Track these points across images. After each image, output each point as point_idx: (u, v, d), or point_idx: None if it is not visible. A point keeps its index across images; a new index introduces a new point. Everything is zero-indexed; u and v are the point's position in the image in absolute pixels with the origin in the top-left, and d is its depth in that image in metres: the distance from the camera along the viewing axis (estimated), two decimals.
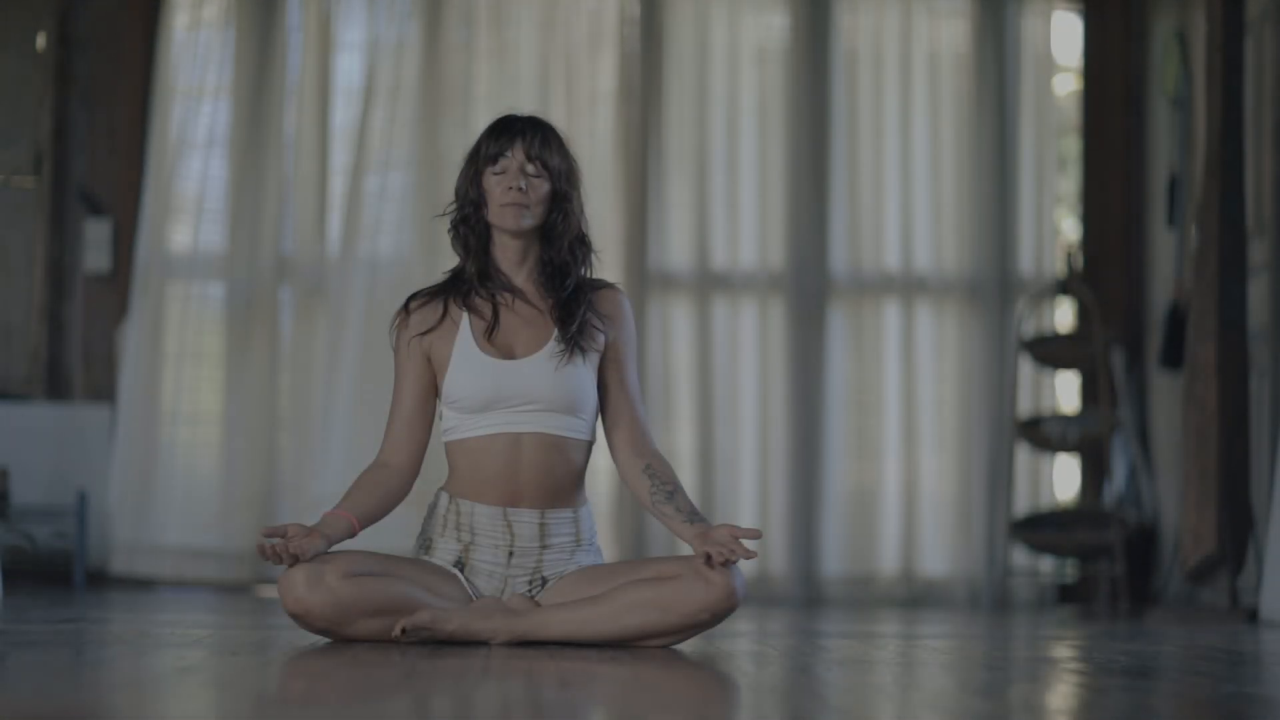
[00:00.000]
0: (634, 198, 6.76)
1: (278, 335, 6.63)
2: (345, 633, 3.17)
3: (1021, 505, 6.76)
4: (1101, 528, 6.52)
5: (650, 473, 3.33)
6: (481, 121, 6.61)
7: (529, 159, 3.31)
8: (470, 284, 3.37)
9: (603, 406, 3.41)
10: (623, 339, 3.41)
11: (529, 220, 3.33)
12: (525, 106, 6.67)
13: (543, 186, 3.33)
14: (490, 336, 3.34)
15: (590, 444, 3.39)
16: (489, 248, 3.38)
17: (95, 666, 2.65)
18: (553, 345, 3.33)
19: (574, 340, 3.33)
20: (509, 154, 3.32)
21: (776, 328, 6.80)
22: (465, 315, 3.35)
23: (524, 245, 3.37)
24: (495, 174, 3.32)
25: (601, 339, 3.37)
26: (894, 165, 6.88)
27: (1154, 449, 6.75)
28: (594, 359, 3.36)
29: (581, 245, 3.39)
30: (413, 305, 3.40)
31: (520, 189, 3.30)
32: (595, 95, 6.84)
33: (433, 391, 3.38)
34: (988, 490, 6.70)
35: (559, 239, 3.36)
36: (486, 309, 3.36)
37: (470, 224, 3.36)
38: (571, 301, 3.36)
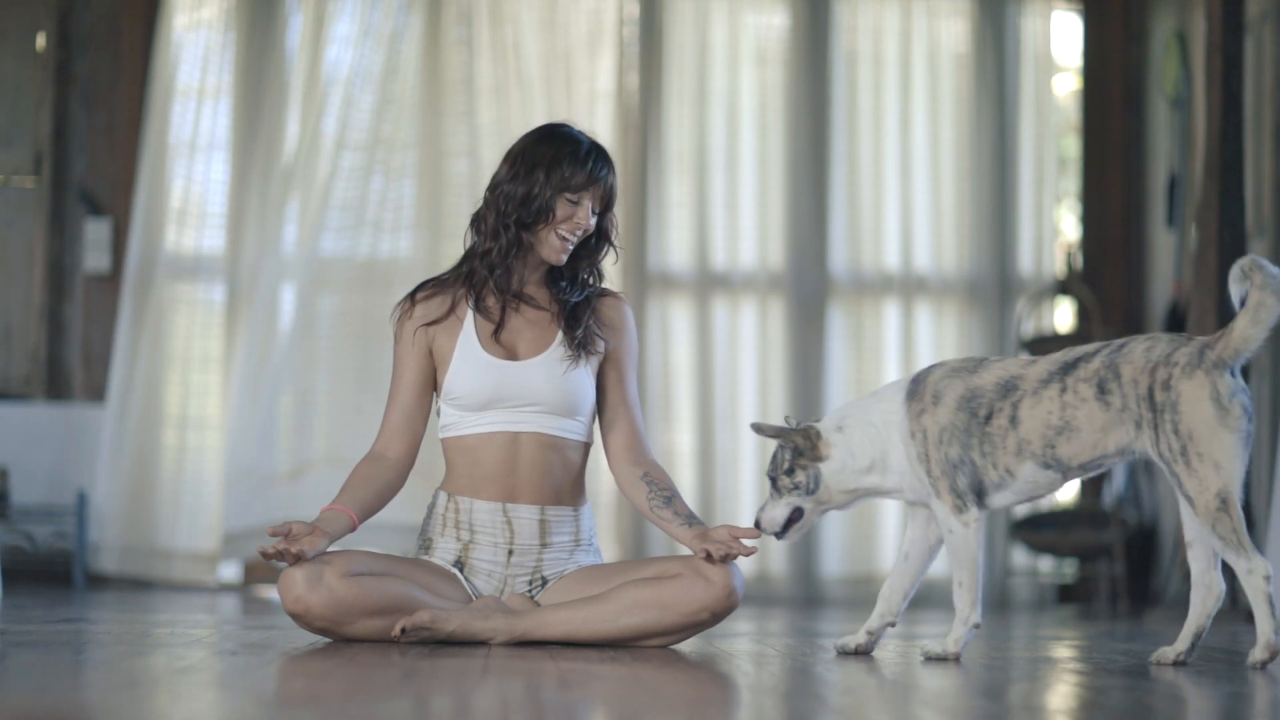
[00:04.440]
0: (634, 198, 6.76)
1: (277, 335, 6.62)
2: (345, 632, 3.17)
3: (1021, 505, 6.75)
4: (1101, 528, 6.52)
5: (648, 480, 3.33)
6: (483, 121, 6.68)
7: (598, 200, 3.32)
8: (484, 281, 3.35)
9: (601, 413, 3.41)
10: (624, 348, 3.41)
11: (567, 255, 3.34)
12: (524, 106, 6.71)
13: (593, 226, 3.33)
14: (495, 336, 3.34)
15: (588, 445, 3.40)
16: (519, 258, 3.35)
17: (95, 666, 2.65)
18: (556, 348, 3.34)
19: (579, 345, 3.33)
20: (589, 191, 3.30)
21: (776, 328, 6.80)
22: (470, 312, 3.36)
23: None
24: (570, 201, 3.30)
25: (602, 344, 3.38)
26: (894, 165, 6.88)
27: None
28: (594, 363, 3.37)
29: (598, 269, 3.42)
30: (419, 295, 3.40)
31: (586, 229, 3.31)
32: (595, 95, 6.84)
33: (431, 384, 3.38)
34: None
35: (583, 264, 3.37)
36: (495, 308, 3.35)
37: (526, 225, 3.30)
38: (578, 307, 3.36)
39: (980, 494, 3.08)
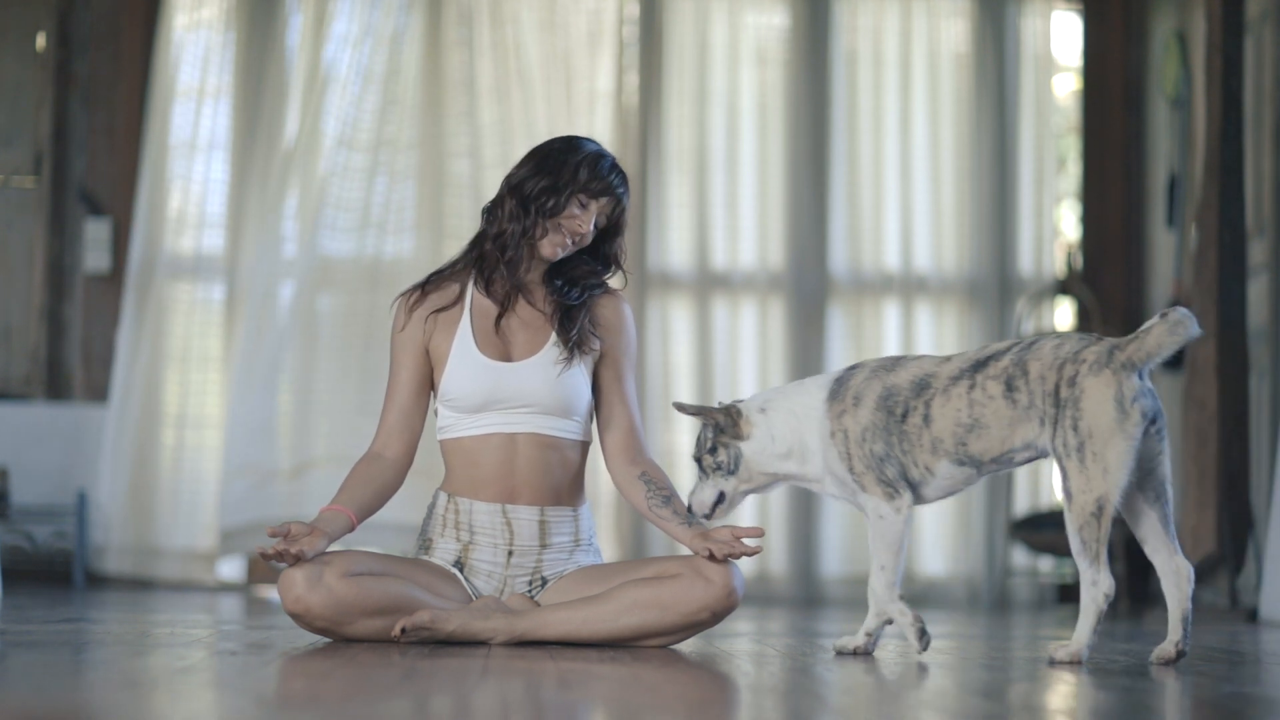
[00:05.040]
0: (634, 197, 6.75)
1: (277, 335, 6.62)
2: (345, 632, 3.18)
3: (1021, 505, 6.76)
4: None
5: (646, 479, 3.34)
6: (484, 122, 6.67)
7: (605, 216, 3.35)
8: (495, 263, 3.36)
9: (598, 412, 3.42)
10: (622, 346, 3.43)
11: (563, 255, 3.36)
12: (525, 106, 6.70)
13: (588, 239, 3.36)
14: (495, 328, 3.36)
15: (586, 444, 3.41)
16: (529, 245, 3.38)
17: (95, 666, 2.65)
18: (550, 349, 3.35)
19: (574, 346, 3.34)
20: (600, 201, 3.33)
21: (776, 327, 6.80)
22: (467, 312, 3.37)
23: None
24: (580, 205, 3.33)
25: (597, 343, 3.39)
26: (894, 165, 6.88)
27: None
28: (589, 362, 3.38)
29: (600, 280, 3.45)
30: (429, 286, 3.42)
31: (584, 236, 3.33)
32: (595, 95, 6.84)
33: (429, 384, 3.39)
34: (987, 490, 6.70)
35: (585, 278, 3.39)
36: (499, 293, 3.37)
37: (544, 212, 3.33)
38: (574, 307, 3.38)
39: (911, 485, 3.11)
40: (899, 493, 3.10)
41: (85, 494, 6.50)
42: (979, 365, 3.06)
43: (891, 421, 3.08)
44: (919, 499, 3.13)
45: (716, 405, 3.21)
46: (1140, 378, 2.96)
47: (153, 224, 6.65)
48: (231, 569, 6.75)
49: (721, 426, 3.17)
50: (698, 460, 3.20)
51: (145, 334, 6.61)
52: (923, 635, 3.14)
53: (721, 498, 3.19)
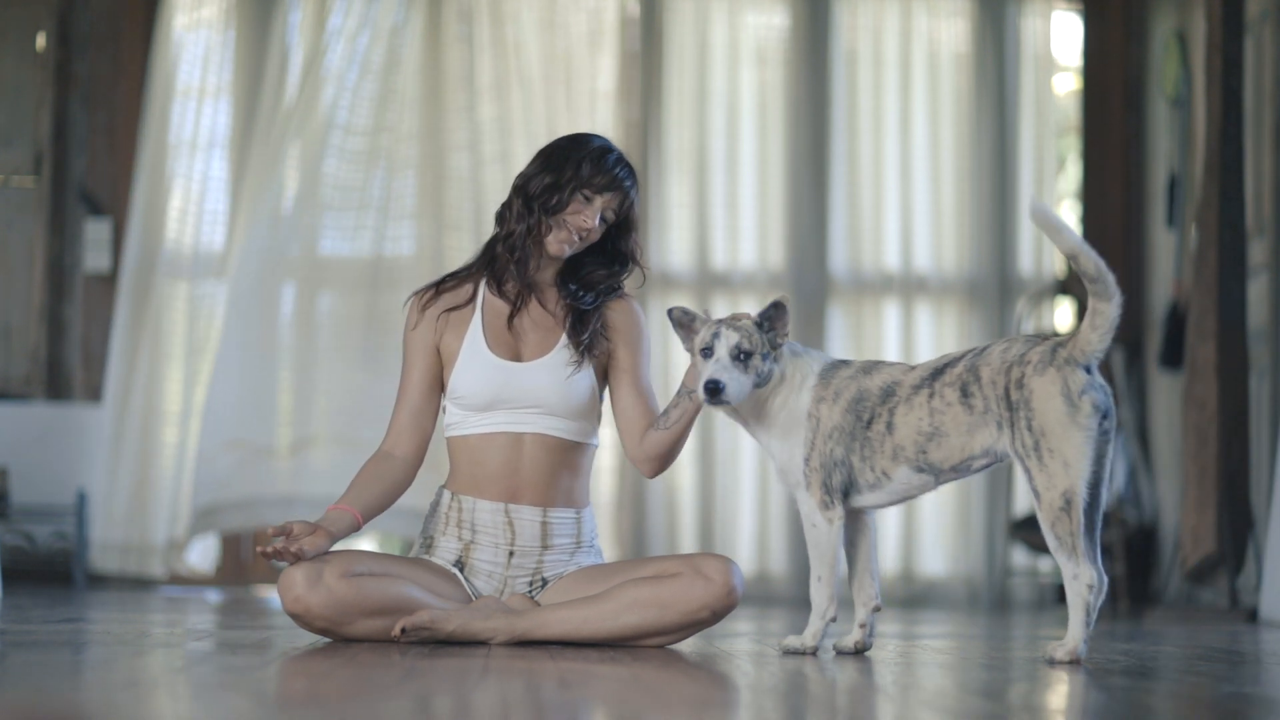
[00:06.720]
0: None
1: (277, 335, 6.62)
2: (345, 632, 3.18)
3: (1021, 505, 6.76)
4: (1101, 528, 6.51)
5: (650, 429, 3.36)
6: (484, 117, 6.67)
7: (612, 210, 3.35)
8: (506, 265, 3.37)
9: (618, 405, 3.42)
10: (638, 347, 3.44)
11: (570, 252, 3.36)
12: (525, 104, 6.70)
13: (596, 234, 3.36)
14: (508, 325, 3.36)
15: (592, 448, 3.41)
16: (536, 243, 3.38)
17: (95, 666, 2.65)
18: (561, 351, 3.35)
19: (584, 350, 3.35)
20: (605, 196, 3.33)
21: None
22: (479, 311, 3.37)
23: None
24: (584, 200, 3.33)
25: (606, 345, 3.40)
26: (894, 165, 6.88)
27: (1154, 449, 6.75)
28: (599, 366, 3.39)
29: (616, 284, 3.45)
30: (443, 286, 3.43)
31: (589, 231, 3.33)
32: (595, 95, 6.84)
33: (439, 383, 3.40)
34: (987, 490, 6.70)
35: (601, 280, 3.40)
36: (511, 293, 3.37)
37: (547, 210, 3.34)
38: (587, 313, 3.39)
39: (847, 493, 3.14)
40: (833, 504, 3.14)
41: (85, 493, 6.49)
42: (937, 373, 3.10)
43: (858, 426, 3.12)
44: (863, 503, 3.16)
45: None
46: (1089, 372, 3.00)
47: (151, 223, 6.65)
48: (207, 550, 6.70)
49: (780, 349, 3.17)
50: (748, 354, 3.13)
51: (144, 333, 6.60)
52: (814, 652, 3.16)
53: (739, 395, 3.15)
